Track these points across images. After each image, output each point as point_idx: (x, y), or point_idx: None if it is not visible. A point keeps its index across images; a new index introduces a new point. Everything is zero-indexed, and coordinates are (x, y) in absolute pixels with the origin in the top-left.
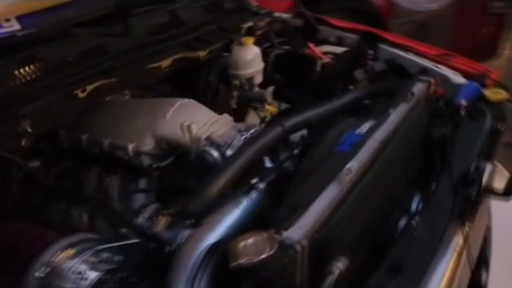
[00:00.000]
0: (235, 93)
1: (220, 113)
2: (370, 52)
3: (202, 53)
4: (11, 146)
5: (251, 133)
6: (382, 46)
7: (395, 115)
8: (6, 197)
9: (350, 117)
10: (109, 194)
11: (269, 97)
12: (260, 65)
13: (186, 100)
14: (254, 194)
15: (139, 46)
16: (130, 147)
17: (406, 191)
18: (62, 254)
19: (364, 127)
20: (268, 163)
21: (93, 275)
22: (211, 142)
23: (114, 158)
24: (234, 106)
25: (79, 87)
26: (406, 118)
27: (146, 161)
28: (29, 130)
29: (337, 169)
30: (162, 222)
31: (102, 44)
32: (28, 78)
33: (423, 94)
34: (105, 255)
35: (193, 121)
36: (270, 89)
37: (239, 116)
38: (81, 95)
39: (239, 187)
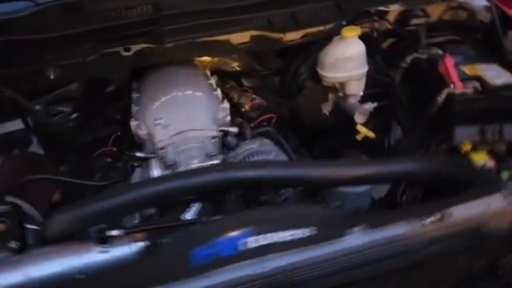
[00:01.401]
0: (330, 97)
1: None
2: None
3: (292, 36)
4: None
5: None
6: None
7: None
8: None
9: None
10: None
11: (359, 117)
12: (358, 70)
13: (189, 93)
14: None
15: (203, 10)
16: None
17: None
18: None
19: (270, 236)
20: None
21: None
22: (162, 155)
23: None
24: (326, 113)
25: (119, 44)
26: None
27: None
28: (51, 77)
29: None
30: None
31: (157, 2)
32: (67, 26)
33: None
34: None
35: (168, 123)
36: (368, 106)
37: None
38: (124, 53)
39: None
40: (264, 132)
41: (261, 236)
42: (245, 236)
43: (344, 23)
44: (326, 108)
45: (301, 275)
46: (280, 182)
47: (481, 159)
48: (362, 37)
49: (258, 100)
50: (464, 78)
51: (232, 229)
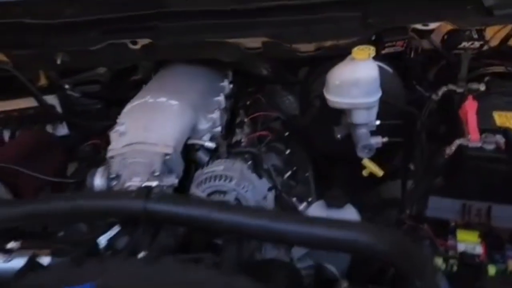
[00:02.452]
0: (344, 120)
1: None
2: None
3: (305, 47)
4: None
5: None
6: None
7: None
8: None
9: None
10: None
11: (362, 152)
12: (365, 98)
13: (161, 100)
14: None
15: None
16: None
17: None
18: None
19: None
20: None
21: None
22: (107, 164)
23: None
24: (339, 137)
25: (124, 37)
26: None
27: None
28: (58, 62)
29: None
30: None
31: None
32: (75, 14)
33: None
34: None
35: (126, 131)
36: (375, 141)
37: None
38: (131, 46)
39: None
40: (244, 152)
41: None
42: None
43: (373, 38)
44: (339, 132)
45: None
46: (209, 228)
47: (468, 239)
48: (395, 57)
49: (262, 113)
50: (488, 129)
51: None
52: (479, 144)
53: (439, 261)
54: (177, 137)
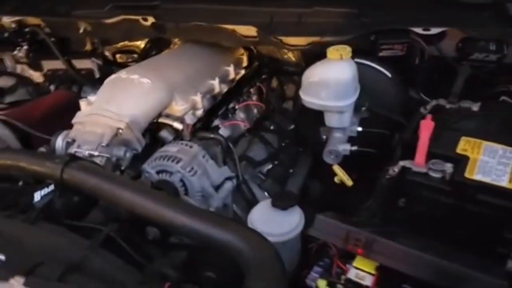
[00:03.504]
0: None
1: None
2: None
3: (294, 40)
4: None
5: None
6: None
7: None
8: None
9: None
10: None
11: (328, 157)
12: (334, 101)
13: (134, 77)
14: None
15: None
16: None
17: None
18: None
19: None
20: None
21: None
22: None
23: None
24: (324, 138)
25: (132, 13)
26: None
27: None
28: (80, 31)
29: None
30: None
31: None
32: None
33: None
34: None
35: (94, 101)
36: (342, 148)
37: None
38: (143, 22)
39: None
40: (209, 137)
41: None
42: None
43: (372, 38)
44: (324, 133)
45: None
46: (112, 202)
47: (364, 267)
48: (397, 61)
49: (250, 102)
50: (442, 155)
51: None
52: (423, 170)
53: (321, 284)
54: (137, 113)
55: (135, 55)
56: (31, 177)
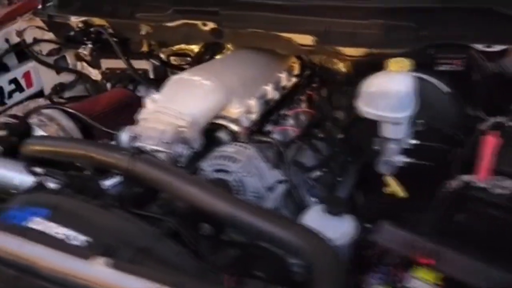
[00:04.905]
0: None
1: None
2: None
3: (351, 51)
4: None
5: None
6: None
7: None
8: None
9: None
10: None
11: (382, 167)
12: (392, 112)
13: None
14: None
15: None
16: None
17: None
18: None
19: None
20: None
21: None
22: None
23: None
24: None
25: (192, 17)
26: None
27: None
28: (142, 32)
29: None
30: None
31: None
32: None
33: None
34: None
35: (158, 99)
36: (397, 159)
37: None
38: (202, 27)
39: None
40: (263, 140)
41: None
42: (34, 214)
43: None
44: (377, 144)
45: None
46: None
47: (426, 278)
48: (456, 76)
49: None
50: (506, 172)
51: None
52: (487, 186)
53: None
54: (197, 113)
55: (189, 59)
56: (98, 166)
